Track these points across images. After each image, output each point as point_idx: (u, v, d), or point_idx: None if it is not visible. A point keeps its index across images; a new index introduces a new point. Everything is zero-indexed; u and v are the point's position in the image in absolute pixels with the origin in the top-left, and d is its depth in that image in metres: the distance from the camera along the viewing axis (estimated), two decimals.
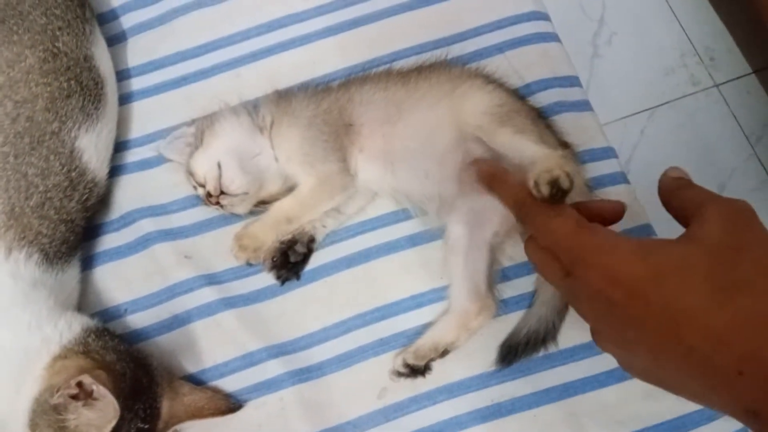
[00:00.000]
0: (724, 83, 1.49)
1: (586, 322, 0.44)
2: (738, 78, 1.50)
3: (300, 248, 0.62)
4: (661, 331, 0.37)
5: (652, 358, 0.39)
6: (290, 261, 0.62)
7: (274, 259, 0.62)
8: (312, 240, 0.64)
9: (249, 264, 0.63)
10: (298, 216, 0.61)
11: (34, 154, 0.59)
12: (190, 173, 0.62)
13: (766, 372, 0.34)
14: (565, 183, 0.46)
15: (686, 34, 1.52)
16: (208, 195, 0.60)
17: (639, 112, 1.47)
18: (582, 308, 0.44)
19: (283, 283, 0.63)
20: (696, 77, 1.49)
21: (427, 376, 0.60)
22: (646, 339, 0.39)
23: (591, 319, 0.43)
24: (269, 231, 0.61)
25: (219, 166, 0.60)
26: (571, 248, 0.43)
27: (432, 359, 0.60)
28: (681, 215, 0.43)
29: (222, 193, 0.60)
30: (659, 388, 0.41)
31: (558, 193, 0.46)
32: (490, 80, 0.64)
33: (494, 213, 0.60)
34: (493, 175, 0.52)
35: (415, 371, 0.60)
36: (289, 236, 0.62)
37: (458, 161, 0.60)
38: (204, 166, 0.61)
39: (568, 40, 1.38)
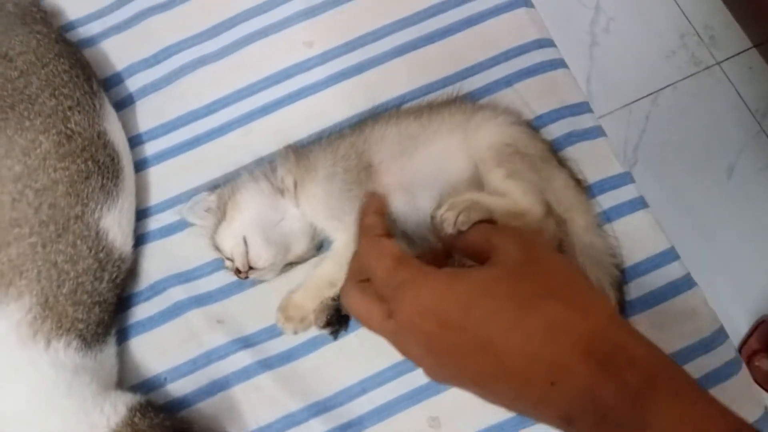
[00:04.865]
0: (725, 60, 1.48)
1: (414, 362, 0.43)
2: (739, 54, 1.49)
3: None
4: (479, 356, 0.39)
5: (479, 386, 0.40)
6: (342, 314, 0.63)
7: (329, 317, 0.62)
8: None
9: (295, 333, 0.63)
10: (340, 277, 0.61)
11: (61, 242, 0.60)
12: (217, 248, 0.63)
13: (573, 379, 0.36)
14: (444, 230, 0.50)
15: (684, 13, 1.51)
16: (237, 271, 0.61)
17: (643, 98, 1.47)
18: (406, 349, 0.43)
19: (336, 337, 0.63)
20: (697, 57, 1.48)
21: None
22: (468, 368, 0.40)
23: (417, 357, 0.43)
24: (313, 298, 0.62)
25: (245, 241, 0.60)
26: (389, 285, 0.43)
27: None
28: (474, 254, 0.46)
29: (250, 268, 0.61)
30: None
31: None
32: (506, 113, 0.65)
33: None
34: (360, 209, 0.55)
35: None
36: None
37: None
38: (230, 242, 0.61)
39: (566, 30, 1.38)
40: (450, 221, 0.50)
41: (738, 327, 1.35)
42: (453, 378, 0.42)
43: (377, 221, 0.52)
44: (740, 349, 1.34)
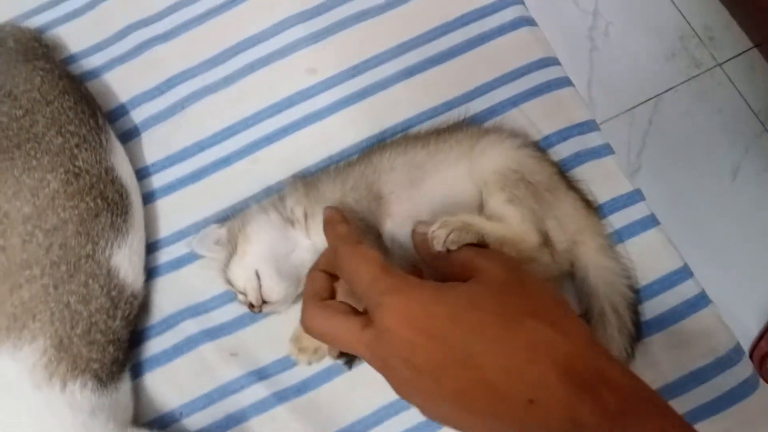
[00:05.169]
0: (726, 61, 1.48)
1: (389, 381, 0.42)
2: (740, 54, 1.48)
3: None
4: (460, 370, 0.38)
5: (454, 402, 0.39)
6: None
7: None
8: None
9: (309, 364, 0.63)
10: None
11: (73, 282, 0.59)
12: (229, 283, 0.63)
13: (552, 398, 0.36)
14: (432, 247, 0.50)
15: (683, 15, 1.50)
16: (251, 305, 0.61)
17: (645, 102, 1.46)
18: (384, 360, 0.42)
19: (351, 367, 0.63)
20: (698, 59, 1.48)
21: None
22: (446, 382, 0.39)
23: (394, 369, 0.41)
24: None
25: (257, 275, 0.60)
26: (373, 292, 0.42)
27: None
28: (455, 274, 0.47)
29: (264, 302, 0.60)
30: None
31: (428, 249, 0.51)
32: (512, 136, 0.64)
33: None
34: (328, 220, 0.55)
35: None
36: None
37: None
38: (242, 277, 0.61)
39: (565, 36, 1.38)
40: (440, 239, 0.50)
41: (748, 329, 1.35)
42: (427, 395, 0.41)
43: (350, 230, 0.52)
44: (751, 352, 1.34)
